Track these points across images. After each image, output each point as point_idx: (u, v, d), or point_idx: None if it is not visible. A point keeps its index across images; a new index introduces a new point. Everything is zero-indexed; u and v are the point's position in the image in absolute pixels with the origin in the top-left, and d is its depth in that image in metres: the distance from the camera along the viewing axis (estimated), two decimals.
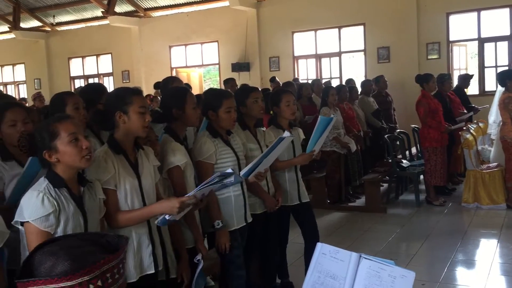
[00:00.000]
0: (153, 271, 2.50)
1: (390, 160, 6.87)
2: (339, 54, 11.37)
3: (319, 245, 1.74)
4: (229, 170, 2.43)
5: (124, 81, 13.71)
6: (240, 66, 11.97)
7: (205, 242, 3.40)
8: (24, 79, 15.78)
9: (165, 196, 2.78)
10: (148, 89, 11.85)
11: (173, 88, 3.40)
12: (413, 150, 7.88)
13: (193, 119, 2.99)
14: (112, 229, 2.37)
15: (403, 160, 7.05)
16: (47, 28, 14.88)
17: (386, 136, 6.99)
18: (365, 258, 1.57)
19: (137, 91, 2.56)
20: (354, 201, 6.84)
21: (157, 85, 4.30)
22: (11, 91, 15.48)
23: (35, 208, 1.97)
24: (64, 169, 2.07)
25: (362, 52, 10.97)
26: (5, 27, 14.73)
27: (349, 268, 1.58)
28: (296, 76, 11.12)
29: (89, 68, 14.83)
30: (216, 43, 12.66)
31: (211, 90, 3.49)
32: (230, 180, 2.43)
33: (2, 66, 16.22)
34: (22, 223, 2.00)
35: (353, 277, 1.57)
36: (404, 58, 10.14)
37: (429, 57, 10.12)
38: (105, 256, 1.04)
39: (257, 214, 3.47)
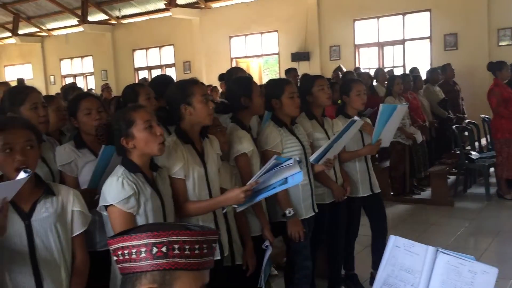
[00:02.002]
0: (218, 257, 2.54)
1: (458, 152, 6.60)
2: (402, 42, 11.02)
3: (392, 238, 1.69)
4: (290, 160, 2.40)
5: (185, 72, 13.98)
6: (300, 56, 11.87)
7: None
8: (92, 71, 16.44)
9: (232, 184, 2.82)
10: (208, 80, 12.02)
11: (238, 78, 3.44)
12: (483, 141, 7.53)
13: (259, 107, 3.03)
14: (180, 218, 2.44)
15: (472, 152, 6.75)
16: (113, 21, 15.40)
17: (453, 126, 6.72)
18: (443, 252, 1.51)
19: (195, 81, 2.62)
20: (419, 193, 6.65)
21: (221, 77, 4.35)
22: (80, 82, 16.18)
23: (116, 191, 2.08)
24: (139, 155, 2.16)
25: (428, 40, 10.57)
26: (74, 21, 15.38)
27: (426, 262, 1.53)
28: (357, 65, 10.90)
29: (152, 59, 15.23)
30: (276, 32, 12.62)
31: (271, 80, 3.50)
32: (289, 163, 2.38)
33: (72, 58, 16.97)
34: (106, 209, 2.11)
35: (430, 271, 1.51)
36: (473, 45, 9.68)
37: (500, 43, 9.60)
38: (176, 229, 1.07)
39: (325, 204, 3.44)
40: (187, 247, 1.06)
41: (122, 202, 2.08)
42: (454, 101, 7.65)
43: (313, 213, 3.24)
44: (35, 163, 1.91)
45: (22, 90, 2.64)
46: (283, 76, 9.19)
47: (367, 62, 11.52)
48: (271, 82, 3.38)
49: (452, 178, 6.85)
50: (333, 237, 3.64)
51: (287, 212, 3.04)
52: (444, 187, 6.22)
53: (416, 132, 6.37)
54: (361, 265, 3.95)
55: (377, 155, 6.07)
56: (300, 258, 3.16)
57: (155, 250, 1.05)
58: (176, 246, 1.06)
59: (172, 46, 14.52)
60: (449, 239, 4.91)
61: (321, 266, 3.73)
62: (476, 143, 7.32)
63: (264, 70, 13.75)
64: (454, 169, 6.67)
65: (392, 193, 6.52)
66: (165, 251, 1.05)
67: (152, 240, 1.06)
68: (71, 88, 4.95)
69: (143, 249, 1.06)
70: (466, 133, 7.10)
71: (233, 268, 2.74)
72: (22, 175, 1.72)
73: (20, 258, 1.89)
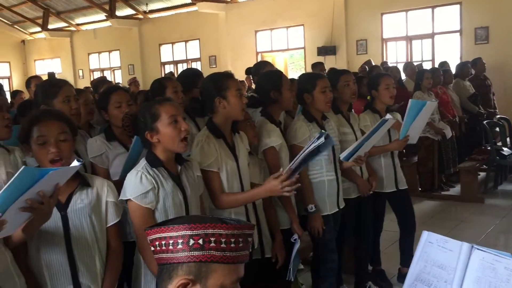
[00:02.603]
0: (250, 250, 2.55)
1: (489, 148, 6.46)
2: (432, 35, 10.81)
3: (425, 233, 1.66)
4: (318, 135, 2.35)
5: (211, 66, 14.03)
6: (326, 50, 11.77)
7: None
8: (119, 65, 16.64)
9: (261, 178, 2.82)
10: (234, 74, 12.02)
11: (268, 72, 3.43)
12: None
13: (289, 101, 3.03)
14: (216, 209, 2.45)
15: (503, 148, 6.60)
16: (140, 16, 15.54)
17: (484, 122, 6.57)
18: (478, 249, 1.48)
19: (230, 75, 2.60)
20: (447, 189, 6.54)
21: (248, 71, 4.32)
22: (107, 76, 16.39)
23: (134, 186, 2.08)
24: (163, 150, 2.15)
25: (458, 33, 10.35)
26: (102, 16, 15.58)
27: (460, 259, 1.50)
28: (384, 60, 10.75)
29: (178, 53, 15.33)
30: (302, 26, 12.53)
31: (303, 74, 3.48)
32: (321, 141, 2.34)
33: (100, 52, 17.21)
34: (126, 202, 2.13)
35: (464, 268, 1.48)
36: (505, 39, 9.42)
37: None
38: (213, 222, 1.08)
39: (351, 199, 3.42)
40: (223, 240, 1.07)
41: (139, 197, 2.07)
42: (485, 96, 7.48)
43: (337, 209, 3.22)
44: (69, 155, 1.94)
45: (55, 83, 2.68)
46: (309, 70, 9.14)
47: (395, 56, 11.34)
48: (304, 76, 3.37)
49: (482, 174, 6.69)
50: (359, 232, 3.62)
51: (309, 207, 3.04)
52: (474, 183, 6.10)
53: (446, 127, 6.26)
54: (389, 261, 3.91)
55: (404, 150, 5.98)
56: (326, 251, 3.16)
57: (192, 242, 1.06)
58: (212, 239, 1.06)
59: (198, 41, 14.57)
60: (479, 237, 4.82)
61: (348, 262, 3.71)
62: (508, 139, 7.15)
63: (289, 65, 13.70)
64: (484, 165, 6.52)
65: (420, 189, 6.43)
66: (201, 243, 1.06)
67: (189, 232, 1.07)
68: (101, 81, 5.03)
69: (180, 241, 1.07)
70: (497, 129, 6.94)
71: (263, 261, 2.74)
72: (75, 163, 1.76)
73: (56, 247, 1.93)
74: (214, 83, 2.53)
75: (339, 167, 3.24)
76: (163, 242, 1.09)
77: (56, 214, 1.92)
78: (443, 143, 6.35)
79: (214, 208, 2.50)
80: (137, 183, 2.08)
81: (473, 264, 1.48)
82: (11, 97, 7.12)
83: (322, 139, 2.35)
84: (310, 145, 2.36)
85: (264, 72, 3.58)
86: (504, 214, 5.55)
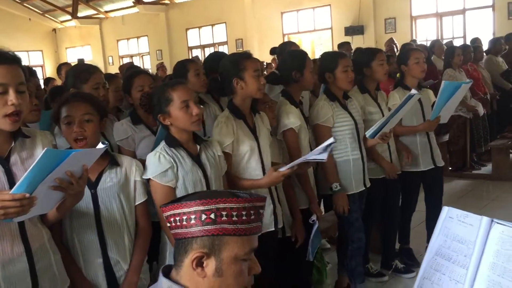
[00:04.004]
0: (273, 229, 2.59)
1: None
2: (463, 11, 10.53)
3: (445, 209, 1.66)
4: (331, 140, 2.41)
5: (238, 49, 14.02)
6: (354, 30, 11.62)
7: (322, 204, 3.45)
8: (148, 51, 16.82)
9: (281, 158, 2.85)
10: (261, 56, 11.95)
11: (293, 51, 3.43)
12: None
13: (310, 83, 3.02)
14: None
15: None
16: (167, 1, 15.62)
17: None
18: (498, 223, 1.48)
19: (248, 55, 2.62)
20: (479, 168, 6.43)
21: (273, 51, 4.32)
22: (136, 62, 16.61)
23: (154, 166, 2.16)
24: (177, 131, 2.22)
25: (490, 8, 10.04)
26: (130, 2, 15.73)
27: (479, 233, 1.50)
28: (414, 38, 10.53)
29: (205, 38, 15.37)
30: (329, 6, 12.38)
31: (326, 53, 3.46)
32: (323, 158, 2.41)
33: (128, 39, 17.42)
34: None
35: (484, 241, 1.48)
36: None
37: None
38: (224, 196, 1.13)
39: (379, 179, 3.41)
40: (234, 213, 1.11)
41: (159, 176, 2.15)
42: None
43: (364, 188, 3.22)
44: (93, 135, 2.01)
45: (86, 69, 2.74)
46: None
47: (425, 34, 11.10)
48: (326, 55, 3.36)
49: None
50: (387, 212, 3.61)
51: (333, 186, 3.05)
52: (506, 161, 5.98)
53: (477, 105, 6.13)
54: (417, 240, 3.89)
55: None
56: (352, 230, 3.17)
57: (204, 217, 1.11)
58: (224, 213, 1.11)
59: (224, 24, 14.58)
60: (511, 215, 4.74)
61: (375, 241, 3.72)
62: None
63: (317, 46, 13.57)
64: None
65: (450, 168, 6.33)
66: (213, 217, 1.11)
67: (201, 208, 1.11)
68: (130, 68, 5.11)
69: (193, 216, 1.12)
70: None
71: (284, 240, 2.78)
72: (100, 145, 1.84)
73: (87, 223, 2.03)
74: (231, 63, 2.56)
75: (363, 145, 3.23)
76: (177, 218, 1.14)
77: (86, 191, 1.99)
78: (474, 121, 6.23)
79: None
80: (156, 163, 2.16)
81: (493, 237, 1.48)
82: (44, 84, 7.31)
83: (330, 148, 2.39)
84: (315, 156, 2.39)
85: (289, 51, 3.58)
86: None
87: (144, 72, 3.08)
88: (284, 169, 2.44)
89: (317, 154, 2.41)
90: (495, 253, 1.45)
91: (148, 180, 2.18)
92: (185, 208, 1.13)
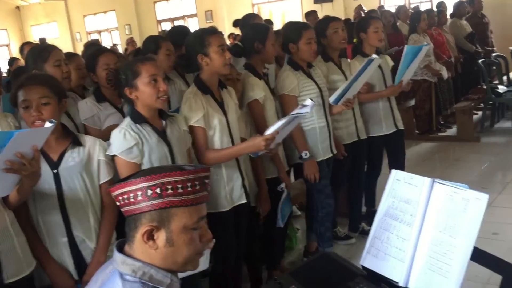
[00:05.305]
0: (245, 201, 2.68)
1: (484, 87, 6.47)
2: None
3: (393, 172, 1.77)
4: (308, 101, 2.48)
5: (207, 21, 13.85)
6: None
7: (292, 173, 3.55)
8: (116, 26, 16.46)
9: (248, 131, 2.91)
10: (231, 28, 11.91)
11: (255, 23, 3.47)
12: None
13: (271, 55, 3.07)
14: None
15: (499, 86, 6.60)
16: None
17: (480, 61, 6.55)
18: (438, 182, 1.58)
19: (213, 31, 2.65)
20: (444, 131, 6.61)
21: (236, 23, 4.33)
22: (105, 38, 16.28)
23: (119, 142, 2.19)
24: (143, 106, 2.24)
25: None
26: None
27: (423, 192, 1.61)
28: (381, 4, 10.56)
29: (174, 10, 15.11)
30: None
31: (290, 23, 3.50)
32: (306, 111, 2.48)
33: (95, 14, 17.00)
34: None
35: (427, 201, 1.59)
36: None
37: None
38: (168, 170, 1.18)
39: (345, 145, 3.51)
40: (179, 186, 1.17)
41: (124, 152, 2.18)
42: (482, 34, 7.39)
43: (331, 155, 3.32)
44: (51, 118, 2.00)
45: (44, 48, 2.72)
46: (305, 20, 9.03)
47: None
48: (289, 25, 3.38)
49: (479, 114, 6.74)
50: (353, 177, 3.73)
51: (303, 154, 3.13)
52: (469, 123, 6.15)
53: (442, 68, 6.25)
54: None
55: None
56: (322, 196, 3.27)
57: (149, 192, 1.17)
58: (169, 186, 1.16)
59: None
60: (474, 174, 4.93)
61: (342, 205, 3.85)
62: (505, 77, 7.13)
63: (287, 15, 13.48)
64: (481, 104, 6.55)
65: (417, 131, 6.51)
66: (159, 192, 1.16)
67: (146, 184, 1.17)
68: (92, 44, 5.07)
69: (139, 193, 1.17)
70: (494, 67, 6.91)
71: (250, 210, 2.87)
72: (47, 124, 1.85)
73: (50, 203, 2.07)
74: (196, 39, 2.58)
75: (329, 113, 3.31)
76: (125, 197, 1.19)
77: (48, 171, 2.04)
78: (439, 84, 6.37)
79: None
80: (121, 139, 2.19)
81: (435, 196, 1.58)
82: (8, 64, 7.17)
83: (309, 108, 2.45)
84: (298, 111, 2.46)
85: (251, 23, 3.61)
86: (500, 151, 5.64)
87: (109, 50, 3.08)
88: (267, 133, 2.48)
89: (299, 109, 2.47)
90: (437, 211, 1.56)
91: (113, 157, 2.21)
92: (131, 186, 1.18)
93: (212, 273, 2.73)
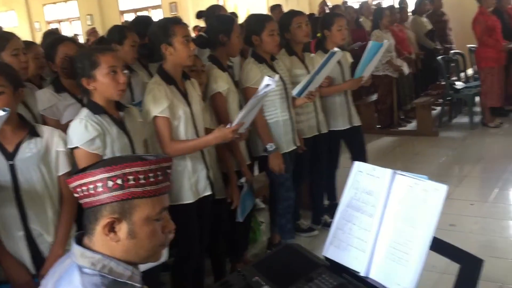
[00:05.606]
0: (210, 193, 2.66)
1: (443, 83, 6.65)
2: None
3: (356, 164, 1.79)
4: (267, 79, 2.45)
5: (172, 13, 13.66)
6: None
7: (257, 166, 3.56)
8: (78, 16, 16.04)
9: (213, 123, 2.90)
10: (196, 21, 11.79)
11: (221, 15, 3.44)
12: (470, 71, 7.55)
13: (236, 48, 3.06)
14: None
15: (457, 82, 6.80)
16: None
17: (439, 57, 6.72)
18: (399, 174, 1.61)
19: (178, 21, 2.60)
20: (405, 125, 6.76)
21: (200, 14, 4.26)
22: (65, 28, 15.85)
23: (80, 133, 2.12)
24: (100, 97, 2.19)
25: None
26: None
27: (384, 184, 1.63)
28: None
29: (137, 1, 14.83)
30: None
31: (252, 16, 3.49)
32: (271, 87, 2.46)
33: (55, 3, 16.51)
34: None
35: (388, 192, 1.61)
36: None
37: None
38: (129, 161, 1.15)
39: (306, 139, 3.54)
40: (141, 176, 1.14)
41: (87, 143, 2.12)
42: (441, 31, 7.60)
43: (295, 147, 3.34)
44: (5, 107, 1.92)
45: (1, 36, 2.63)
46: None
47: None
48: (252, 17, 3.37)
49: (438, 109, 6.93)
50: (314, 170, 3.77)
51: (268, 146, 3.14)
52: (428, 118, 6.31)
53: (403, 64, 6.40)
54: None
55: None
56: (283, 189, 3.30)
57: (110, 183, 1.13)
58: (130, 177, 1.13)
59: None
60: (433, 167, 5.07)
61: (305, 198, 3.89)
62: (462, 74, 7.35)
63: (252, 10, 13.45)
64: (440, 100, 6.74)
65: (379, 126, 6.63)
66: (120, 183, 1.13)
67: (107, 175, 1.13)
68: (52, 33, 4.91)
69: (99, 184, 1.13)
70: (453, 64, 7.11)
71: (214, 202, 2.86)
72: (0, 112, 1.78)
73: (5, 195, 1.99)
74: (160, 29, 2.53)
75: (292, 106, 3.32)
76: (84, 188, 1.15)
77: (3, 162, 1.97)
78: (400, 80, 6.50)
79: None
80: (82, 131, 2.12)
81: (396, 188, 1.61)
82: None
83: (271, 86, 2.44)
84: (264, 89, 2.45)
85: (217, 15, 3.58)
86: (457, 145, 5.82)
87: (69, 39, 3.00)
88: (232, 125, 2.47)
89: (264, 88, 2.45)
90: (398, 202, 1.59)
91: (72, 149, 2.15)
92: (90, 177, 1.14)
93: (175, 266, 2.71)
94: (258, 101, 2.54)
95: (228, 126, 2.50)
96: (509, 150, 5.44)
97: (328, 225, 3.86)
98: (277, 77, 2.57)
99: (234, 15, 4.95)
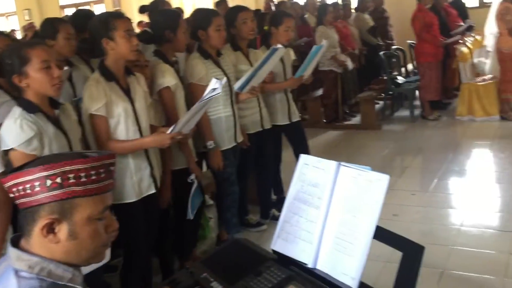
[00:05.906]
0: (154, 191, 2.61)
1: (385, 78, 6.86)
2: None
3: (302, 157, 1.81)
4: (213, 83, 2.45)
5: (115, 8, 13.32)
6: None
7: (204, 162, 3.52)
8: (14, 10, 15.33)
9: (158, 119, 2.84)
10: (140, 16, 11.55)
11: (166, 10, 3.38)
12: (410, 66, 7.83)
13: (182, 44, 3.01)
14: None
15: (398, 77, 7.03)
16: None
17: (381, 53, 6.92)
18: (344, 165, 1.64)
19: (119, 15, 2.53)
20: (350, 119, 6.92)
21: (143, 9, 4.17)
22: (1, 23, 15.11)
23: (16, 134, 2.01)
24: (34, 95, 2.08)
25: None
26: None
27: (329, 175, 1.66)
28: None
29: None
30: None
31: (199, 10, 3.45)
32: (217, 91, 2.46)
33: None
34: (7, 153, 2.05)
35: (333, 183, 1.64)
36: None
37: None
38: (70, 158, 1.09)
39: (250, 134, 3.54)
40: (82, 174, 1.08)
41: (23, 144, 2.01)
42: (382, 28, 7.84)
43: (235, 143, 3.33)
44: None
45: None
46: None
47: None
48: (198, 12, 3.34)
49: (380, 103, 7.13)
50: (259, 165, 3.79)
51: (208, 144, 3.13)
52: (372, 112, 6.49)
53: (347, 59, 6.54)
54: None
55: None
56: (227, 184, 3.30)
57: (49, 182, 1.06)
58: (71, 175, 1.07)
59: None
60: (376, 159, 5.22)
61: (252, 193, 3.90)
62: (403, 69, 7.61)
63: (197, 5, 13.34)
64: (382, 94, 6.94)
65: (325, 120, 6.75)
66: (60, 181, 1.06)
67: (45, 173, 1.06)
68: None
69: (36, 183, 1.06)
70: (394, 59, 7.34)
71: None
72: None
73: None
74: (101, 23, 2.45)
75: (235, 102, 3.32)
76: (20, 188, 1.08)
77: None
78: (344, 75, 6.64)
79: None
80: (18, 131, 2.01)
81: (340, 179, 1.64)
82: None
83: (219, 87, 2.43)
84: (210, 94, 2.43)
85: (161, 10, 3.52)
86: (399, 138, 6.02)
87: (2, 33, 2.86)
88: (169, 131, 2.43)
89: (210, 92, 2.43)
90: (343, 192, 1.62)
91: (7, 151, 2.04)
92: (27, 176, 1.07)
93: (123, 266, 2.64)
94: (202, 106, 2.53)
95: (169, 130, 2.47)
96: (448, 141, 5.69)
97: (276, 219, 3.87)
98: (224, 80, 2.56)
99: (179, 10, 4.90)
